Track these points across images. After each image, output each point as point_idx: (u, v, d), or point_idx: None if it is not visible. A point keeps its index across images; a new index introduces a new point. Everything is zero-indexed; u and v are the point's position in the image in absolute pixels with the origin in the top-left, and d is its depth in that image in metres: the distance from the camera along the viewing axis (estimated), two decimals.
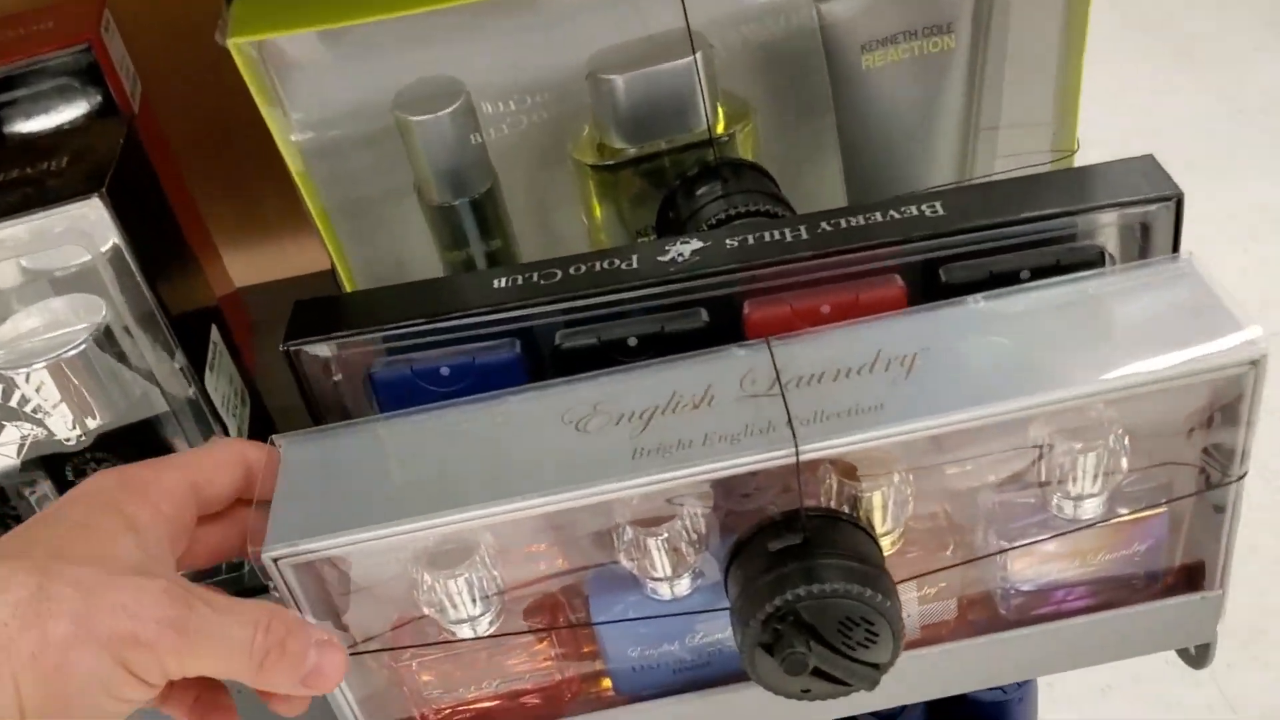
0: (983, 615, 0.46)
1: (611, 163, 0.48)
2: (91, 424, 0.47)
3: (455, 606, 0.41)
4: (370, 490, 0.39)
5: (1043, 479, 0.41)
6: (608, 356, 0.45)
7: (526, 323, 0.44)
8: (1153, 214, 0.44)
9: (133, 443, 0.49)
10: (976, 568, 0.44)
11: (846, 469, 0.40)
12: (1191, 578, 0.45)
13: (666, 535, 0.40)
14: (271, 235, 0.72)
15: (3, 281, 0.46)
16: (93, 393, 0.47)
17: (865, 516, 0.41)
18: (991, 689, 0.65)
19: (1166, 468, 0.42)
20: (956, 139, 0.52)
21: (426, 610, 0.41)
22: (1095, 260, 0.45)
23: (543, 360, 0.45)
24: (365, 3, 0.42)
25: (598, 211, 0.50)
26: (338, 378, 0.43)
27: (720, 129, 0.48)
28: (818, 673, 0.39)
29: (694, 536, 0.41)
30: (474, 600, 0.41)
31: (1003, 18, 0.49)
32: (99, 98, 0.55)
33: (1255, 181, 1.03)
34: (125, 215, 0.45)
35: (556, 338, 0.45)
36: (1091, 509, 0.42)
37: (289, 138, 0.45)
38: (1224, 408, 0.40)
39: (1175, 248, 0.44)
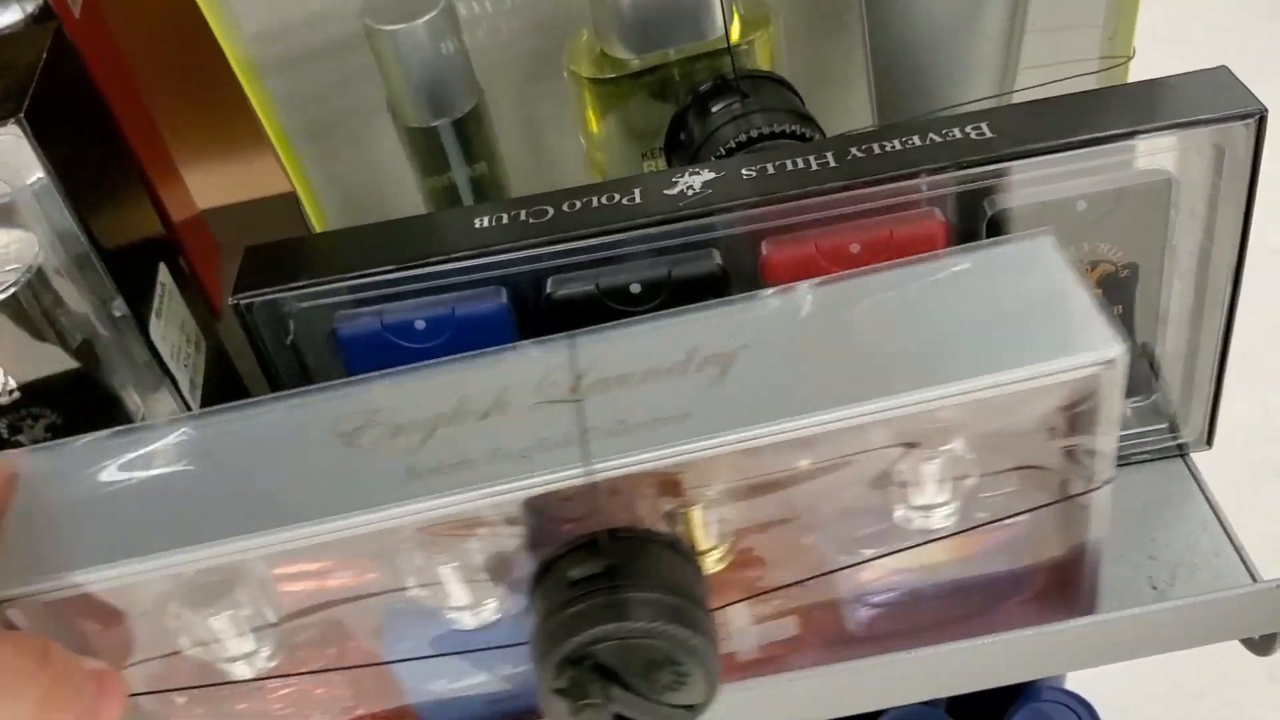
0: (831, 631, 0.39)
1: (613, 76, 0.42)
2: (23, 377, 0.42)
3: (224, 645, 0.34)
4: (110, 521, 0.32)
5: (883, 489, 0.35)
6: (607, 305, 0.39)
7: (513, 268, 0.38)
8: (1229, 134, 0.38)
9: (71, 396, 0.43)
10: (820, 583, 0.38)
11: (665, 481, 0.34)
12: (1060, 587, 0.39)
13: (459, 563, 0.34)
14: (241, 151, 0.66)
15: None
16: (23, 342, 0.41)
17: (685, 534, 0.35)
18: None
19: (1024, 472, 0.36)
20: (999, 45, 0.46)
21: (195, 651, 0.35)
22: (1161, 188, 0.39)
23: (533, 310, 0.40)
24: None
25: (596, 130, 0.44)
26: (290, 338, 0.38)
27: (736, 37, 0.42)
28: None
29: (494, 561, 0.34)
30: (246, 635, 0.34)
31: None
32: None
33: None
34: (52, 142, 0.40)
35: (548, 285, 0.39)
36: (939, 519, 0.36)
37: (240, 53, 0.39)
38: (1082, 410, 0.34)
39: (1254, 173, 0.38)
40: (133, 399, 0.44)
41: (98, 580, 0.31)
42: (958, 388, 0.31)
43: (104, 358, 0.43)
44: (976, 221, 0.39)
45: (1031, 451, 0.35)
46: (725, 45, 0.42)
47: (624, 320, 0.35)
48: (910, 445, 0.34)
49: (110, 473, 0.33)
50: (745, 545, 0.36)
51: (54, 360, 0.42)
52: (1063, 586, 0.39)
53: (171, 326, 0.45)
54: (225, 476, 0.33)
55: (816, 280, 0.35)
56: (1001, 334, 0.32)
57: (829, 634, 0.39)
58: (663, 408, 0.32)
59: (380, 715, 0.38)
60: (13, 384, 0.42)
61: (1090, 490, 0.35)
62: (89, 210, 0.41)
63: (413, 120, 0.42)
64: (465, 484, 0.31)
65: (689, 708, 0.33)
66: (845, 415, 0.31)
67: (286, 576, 0.34)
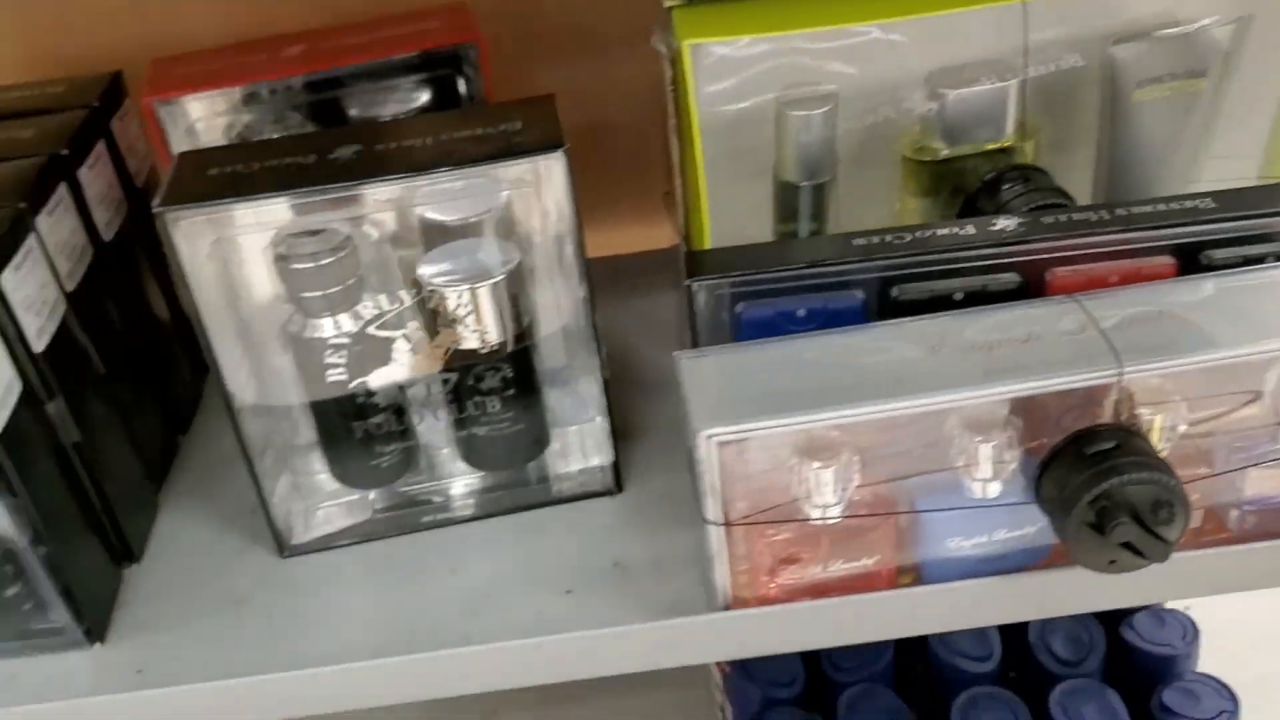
0: (1216, 531, 0.56)
1: (929, 159, 0.60)
2: (499, 340, 0.58)
3: (820, 494, 0.51)
4: (778, 390, 0.50)
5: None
6: (934, 309, 0.56)
7: (879, 273, 0.55)
8: None
9: (526, 363, 0.60)
10: (1214, 489, 0.54)
11: (1129, 398, 0.51)
12: None
13: (996, 442, 0.51)
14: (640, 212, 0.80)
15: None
16: (505, 314, 0.58)
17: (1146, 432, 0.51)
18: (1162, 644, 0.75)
19: None
20: (1191, 166, 0.63)
21: (796, 495, 0.52)
22: None
23: (878, 309, 0.56)
24: (791, 14, 0.54)
25: (911, 199, 0.62)
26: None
27: (1017, 141, 0.60)
28: (1125, 545, 0.49)
29: (1014, 448, 0.51)
30: (834, 490, 0.51)
31: (1241, 67, 0.61)
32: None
33: None
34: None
35: (893, 290, 0.56)
36: None
37: (697, 121, 0.57)
38: None
39: None
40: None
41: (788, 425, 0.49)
42: None
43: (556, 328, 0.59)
44: (1199, 266, 0.56)
45: None
46: (1007, 147, 0.60)
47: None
48: None
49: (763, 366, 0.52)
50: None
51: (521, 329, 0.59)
52: None
53: None
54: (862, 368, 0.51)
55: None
56: None
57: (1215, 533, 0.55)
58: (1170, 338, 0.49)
59: (892, 570, 0.54)
60: (488, 346, 0.58)
61: None
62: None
63: (787, 178, 0.59)
64: (1036, 376, 0.49)
65: (1168, 543, 0.49)
66: None
67: (875, 446, 0.51)
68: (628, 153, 0.75)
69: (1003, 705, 0.70)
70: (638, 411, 0.69)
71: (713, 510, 0.50)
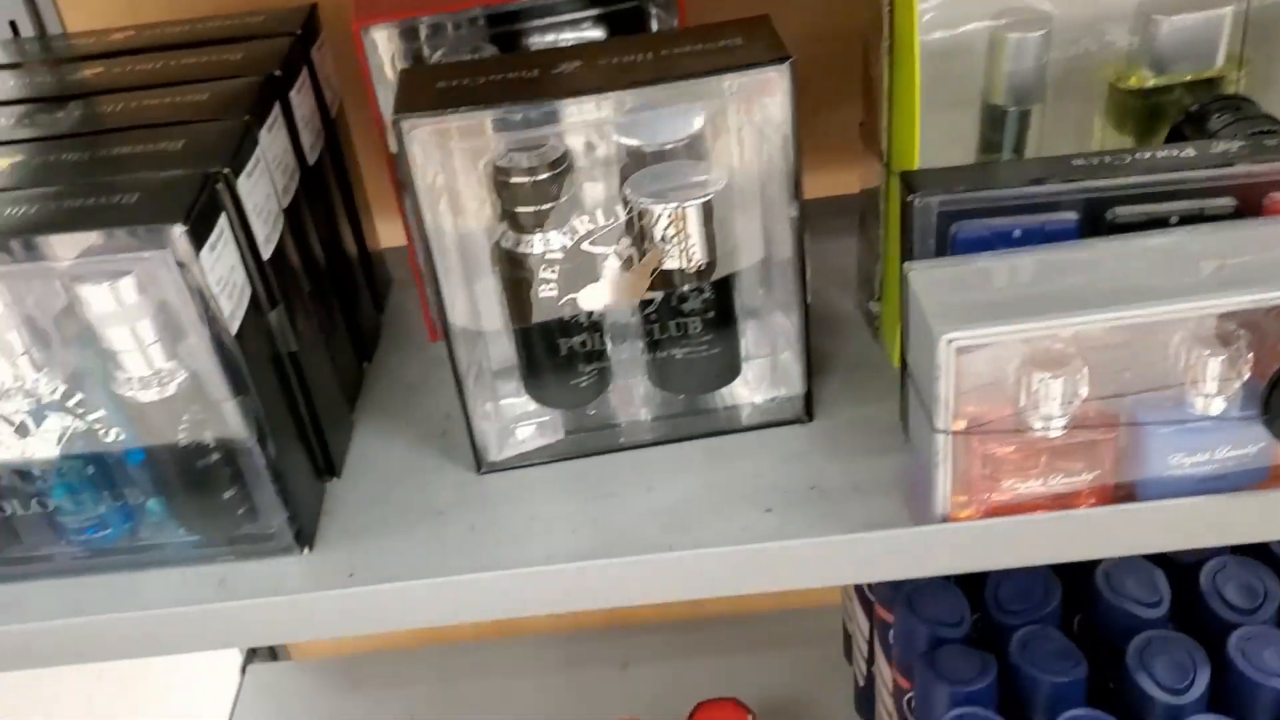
0: None
1: (1136, 88, 0.60)
2: (704, 261, 0.59)
3: (1048, 405, 0.52)
4: (1012, 299, 0.51)
5: None
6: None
7: (1096, 194, 0.55)
8: None
9: (727, 287, 0.61)
10: None
11: None
12: None
13: (1226, 356, 0.51)
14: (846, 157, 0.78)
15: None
16: (712, 235, 0.59)
17: None
18: None
19: None
20: None
21: (1022, 407, 0.52)
22: None
23: (1091, 231, 0.56)
24: None
25: (1111, 133, 0.62)
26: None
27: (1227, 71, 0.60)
28: None
29: (1241, 363, 0.51)
30: (1062, 402, 0.52)
31: None
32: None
33: None
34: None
35: (1109, 213, 0.56)
36: None
37: (916, 38, 0.57)
38: None
39: None
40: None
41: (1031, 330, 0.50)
42: None
43: (754, 260, 0.60)
44: None
45: None
46: (1214, 78, 0.60)
47: None
48: None
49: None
50: None
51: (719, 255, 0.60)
52: None
53: None
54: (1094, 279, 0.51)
55: None
56: None
57: None
58: None
59: (1109, 487, 0.54)
60: (691, 266, 0.59)
61: None
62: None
63: (996, 101, 0.60)
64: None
65: None
66: None
67: (1103, 360, 0.51)
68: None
69: (1179, 648, 0.70)
70: (821, 348, 0.69)
71: (943, 418, 0.51)
